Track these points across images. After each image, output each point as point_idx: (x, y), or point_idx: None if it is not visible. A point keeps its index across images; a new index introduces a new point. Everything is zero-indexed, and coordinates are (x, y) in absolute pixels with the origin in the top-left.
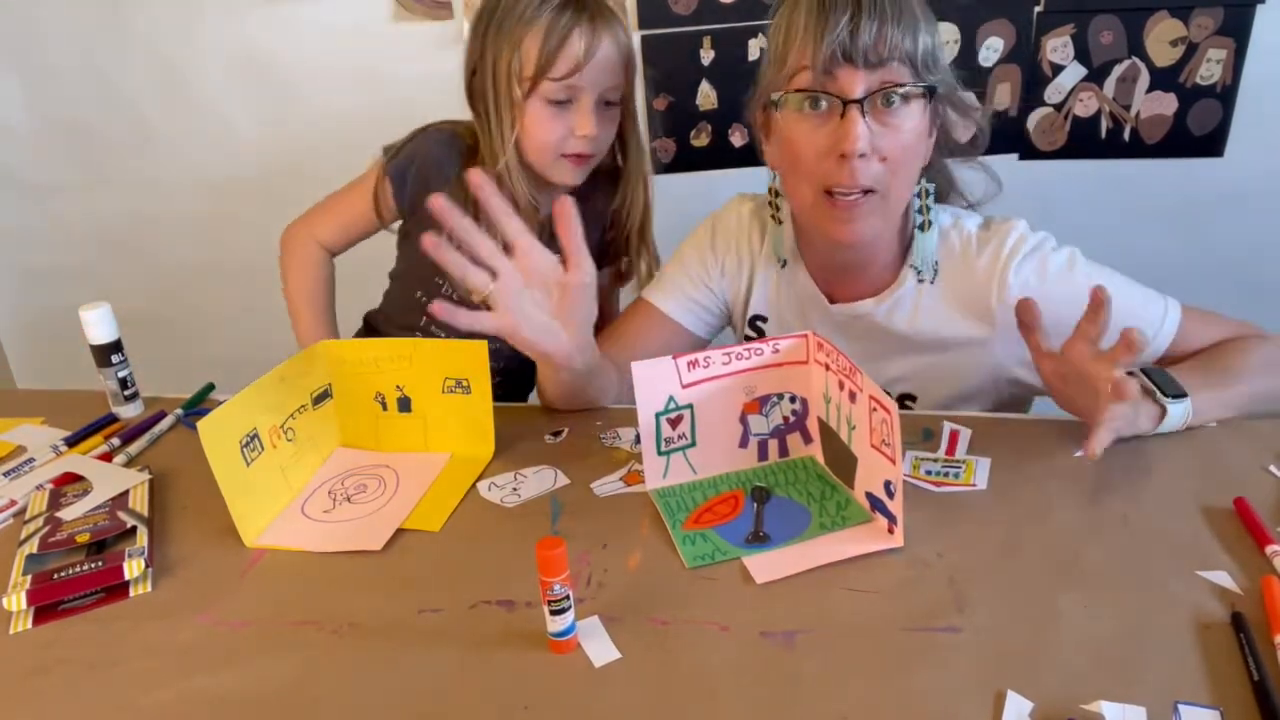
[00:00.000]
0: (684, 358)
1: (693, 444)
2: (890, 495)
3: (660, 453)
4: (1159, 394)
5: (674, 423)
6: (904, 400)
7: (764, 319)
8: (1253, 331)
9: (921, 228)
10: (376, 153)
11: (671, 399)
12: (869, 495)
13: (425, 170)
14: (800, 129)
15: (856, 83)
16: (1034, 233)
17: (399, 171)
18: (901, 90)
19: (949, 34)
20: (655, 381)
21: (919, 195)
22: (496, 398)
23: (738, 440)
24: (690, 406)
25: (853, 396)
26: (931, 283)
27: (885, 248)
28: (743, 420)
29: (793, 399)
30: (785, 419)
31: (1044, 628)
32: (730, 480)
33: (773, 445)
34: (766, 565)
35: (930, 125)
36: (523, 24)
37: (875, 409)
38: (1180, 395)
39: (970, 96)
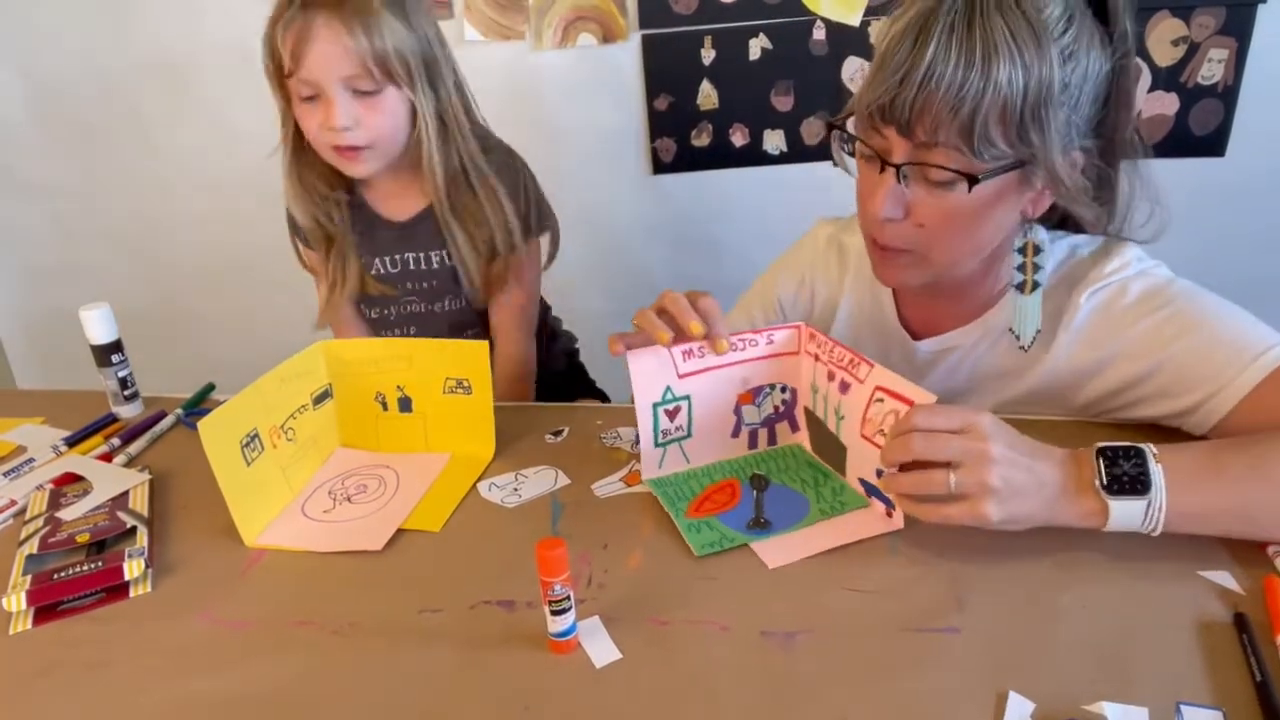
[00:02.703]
0: (680, 347)
1: (688, 435)
2: None
3: (657, 444)
4: (1101, 482)
5: (672, 414)
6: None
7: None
8: None
9: (1022, 289)
10: None
11: (669, 389)
12: (862, 481)
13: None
14: (858, 164)
15: (897, 147)
16: (1141, 260)
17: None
18: (940, 175)
19: None
20: (652, 372)
21: (1020, 252)
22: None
23: (730, 430)
24: (688, 397)
25: (844, 387)
26: (1025, 350)
27: (975, 282)
28: (736, 411)
29: (784, 389)
30: (776, 408)
31: (1045, 628)
32: (724, 469)
33: (762, 433)
34: (776, 550)
35: (1015, 192)
36: (269, 21)
37: (881, 399)
38: (1139, 490)
39: (1077, 182)
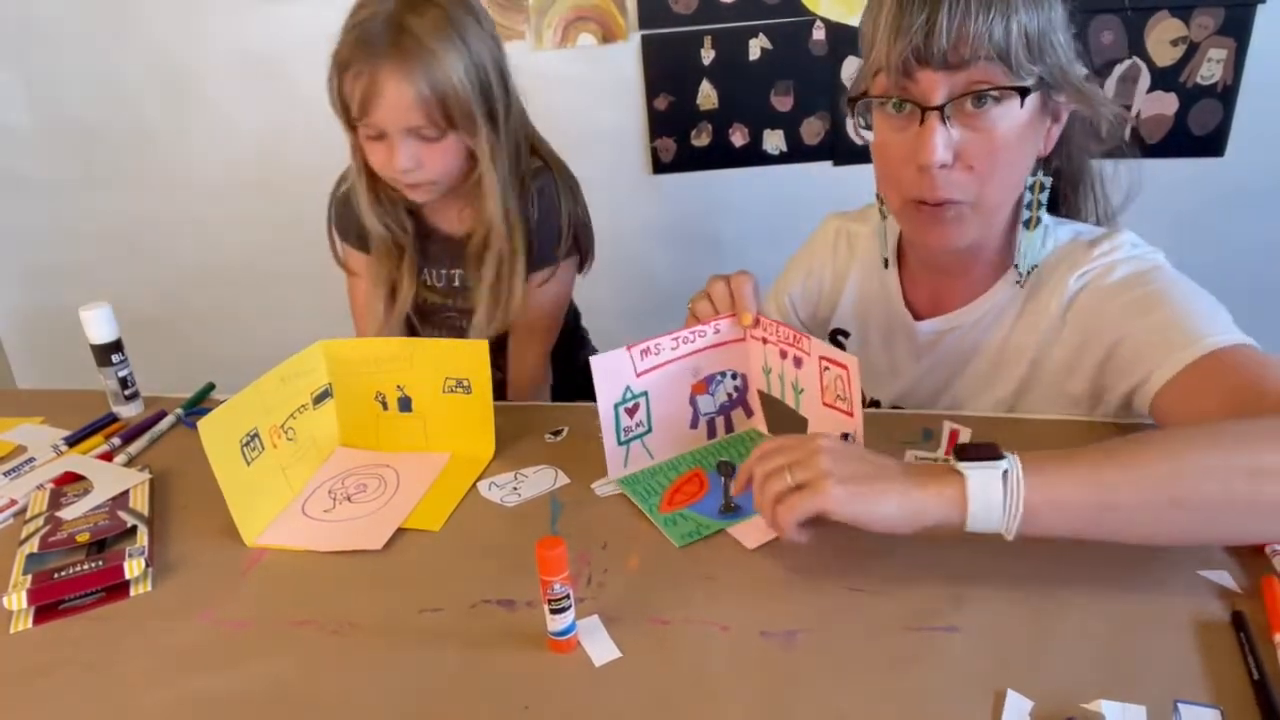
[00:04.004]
0: (637, 346)
1: (649, 430)
2: None
3: (620, 442)
4: (954, 457)
5: (631, 411)
6: None
7: (845, 333)
8: None
9: (1028, 224)
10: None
11: (628, 388)
12: None
13: (339, 206)
14: (883, 131)
15: (936, 87)
16: (1135, 246)
17: (337, 223)
18: (990, 92)
19: None
20: (613, 373)
21: (1030, 189)
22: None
23: (689, 422)
24: (645, 394)
25: (798, 362)
26: (1021, 285)
27: (991, 248)
28: (692, 402)
29: (734, 376)
30: (729, 395)
31: (1044, 627)
32: (687, 461)
33: (719, 422)
34: (751, 531)
35: (1039, 119)
36: (334, 63)
37: (828, 368)
38: (990, 458)
39: (1091, 87)
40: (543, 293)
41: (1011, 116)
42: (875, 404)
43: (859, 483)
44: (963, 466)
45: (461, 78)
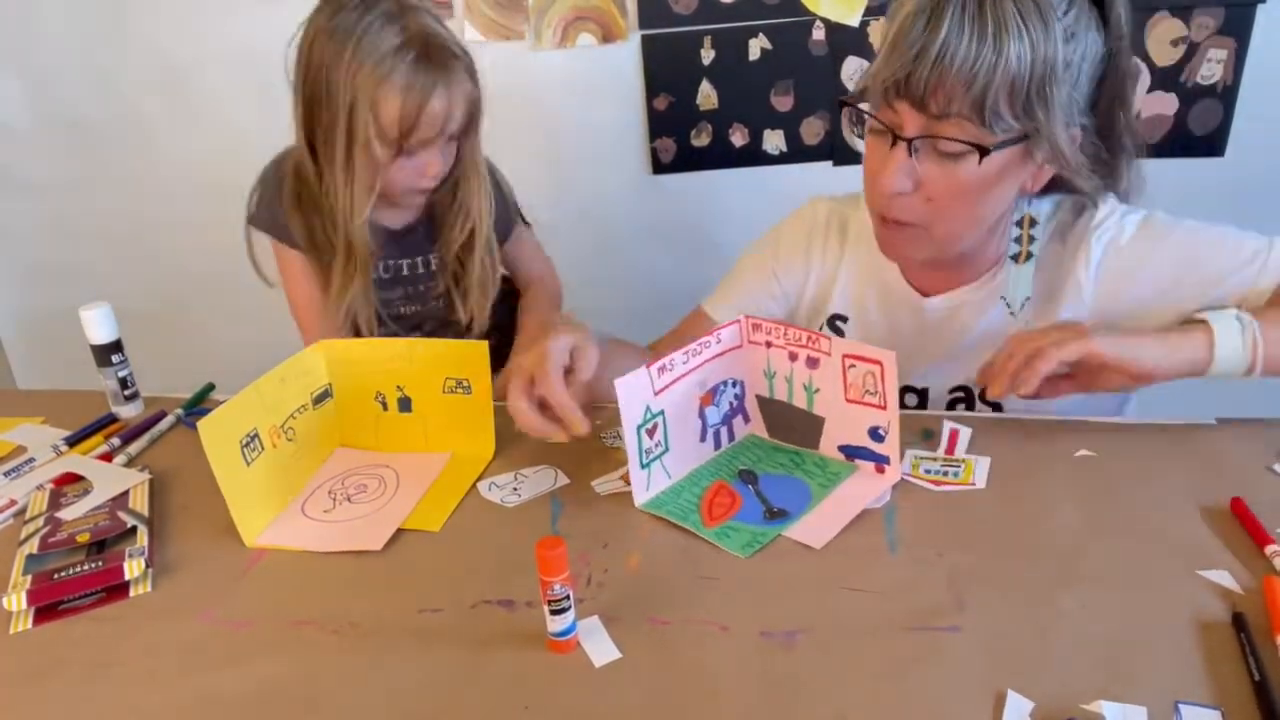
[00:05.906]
0: (655, 364)
1: (666, 449)
2: (880, 439)
3: (643, 465)
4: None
5: (651, 432)
6: (997, 407)
7: (844, 318)
8: None
9: (1016, 259)
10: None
11: (648, 408)
12: (844, 448)
13: (266, 197)
14: (867, 141)
15: (910, 120)
16: (1120, 201)
17: (261, 219)
18: (953, 148)
19: None
20: (635, 395)
21: (1018, 224)
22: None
23: (698, 435)
24: (662, 413)
25: (813, 362)
26: (1015, 315)
27: (980, 248)
28: (701, 415)
29: (734, 384)
30: (730, 404)
31: (1044, 627)
32: (705, 474)
33: (724, 432)
34: (810, 532)
35: (1018, 165)
36: (376, 79)
37: (853, 365)
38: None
39: (1075, 154)
40: (524, 247)
41: (975, 167)
42: None
43: (1119, 334)
44: (1205, 315)
45: (472, 67)
